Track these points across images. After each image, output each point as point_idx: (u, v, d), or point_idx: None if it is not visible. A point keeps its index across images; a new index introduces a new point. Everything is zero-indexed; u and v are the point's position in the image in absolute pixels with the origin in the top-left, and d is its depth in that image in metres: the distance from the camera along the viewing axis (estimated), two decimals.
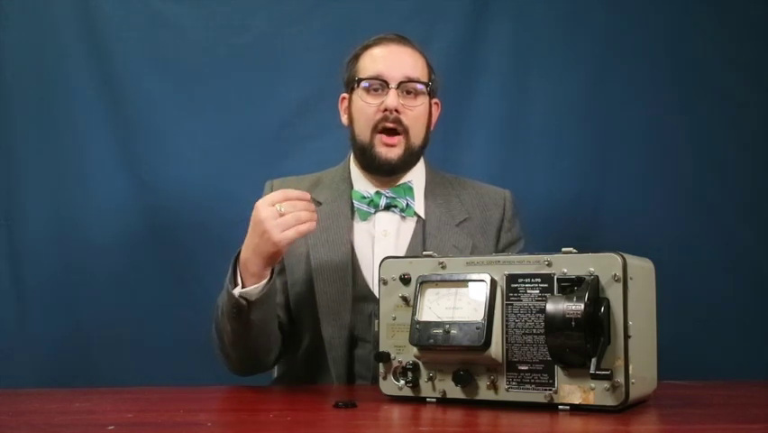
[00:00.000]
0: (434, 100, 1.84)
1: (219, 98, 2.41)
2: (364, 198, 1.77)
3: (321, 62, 2.32)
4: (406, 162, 1.78)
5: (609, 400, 1.19)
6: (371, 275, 1.70)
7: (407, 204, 1.77)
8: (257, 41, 2.43)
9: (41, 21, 2.36)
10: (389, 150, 1.74)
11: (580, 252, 1.24)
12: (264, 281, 1.54)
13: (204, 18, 2.42)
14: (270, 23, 2.44)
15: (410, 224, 1.78)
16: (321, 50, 2.37)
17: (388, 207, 1.77)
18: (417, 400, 1.34)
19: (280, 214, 1.48)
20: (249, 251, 1.52)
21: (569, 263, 1.23)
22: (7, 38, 2.35)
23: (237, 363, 1.67)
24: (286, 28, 2.44)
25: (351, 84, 1.80)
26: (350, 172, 1.83)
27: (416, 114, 1.76)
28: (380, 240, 1.74)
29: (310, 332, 1.72)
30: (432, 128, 1.85)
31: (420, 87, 1.76)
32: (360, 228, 1.77)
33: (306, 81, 2.40)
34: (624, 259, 1.20)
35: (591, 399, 1.20)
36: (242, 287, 1.54)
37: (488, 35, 2.48)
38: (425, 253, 1.42)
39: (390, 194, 1.77)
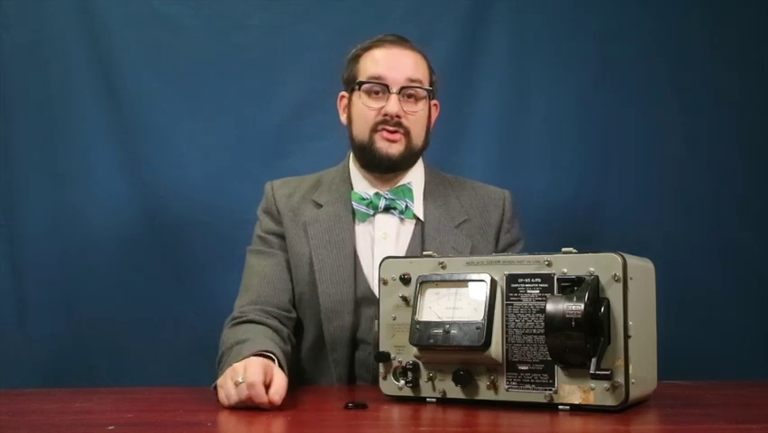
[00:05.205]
0: (434, 102, 1.84)
1: (219, 98, 2.40)
2: (363, 199, 1.76)
3: (321, 62, 2.31)
4: (407, 160, 1.77)
5: (609, 401, 1.19)
6: (372, 277, 1.69)
7: (407, 206, 1.76)
8: (256, 40, 2.43)
9: (41, 21, 2.36)
10: (390, 145, 1.73)
11: (580, 252, 1.24)
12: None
13: (203, 18, 2.42)
14: (270, 23, 2.44)
15: (409, 226, 1.77)
16: (321, 50, 2.37)
17: (387, 209, 1.76)
18: (417, 400, 1.34)
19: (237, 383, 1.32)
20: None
21: (569, 263, 1.23)
22: (7, 38, 2.35)
23: None
24: (286, 28, 2.44)
25: (351, 84, 1.80)
26: (349, 173, 1.83)
27: (417, 118, 1.75)
28: (380, 242, 1.73)
29: (312, 332, 1.72)
30: (431, 129, 1.84)
31: (422, 92, 1.75)
32: (360, 230, 1.76)
33: (306, 81, 2.40)
34: (624, 259, 1.20)
35: (591, 399, 1.20)
36: None
37: (487, 36, 2.48)
38: (425, 253, 1.42)
39: (390, 195, 1.76)
